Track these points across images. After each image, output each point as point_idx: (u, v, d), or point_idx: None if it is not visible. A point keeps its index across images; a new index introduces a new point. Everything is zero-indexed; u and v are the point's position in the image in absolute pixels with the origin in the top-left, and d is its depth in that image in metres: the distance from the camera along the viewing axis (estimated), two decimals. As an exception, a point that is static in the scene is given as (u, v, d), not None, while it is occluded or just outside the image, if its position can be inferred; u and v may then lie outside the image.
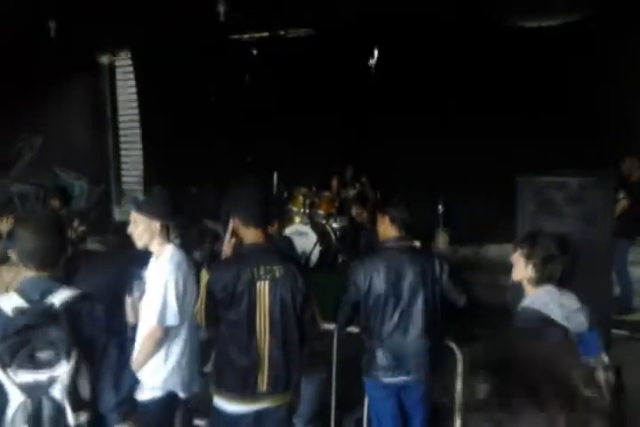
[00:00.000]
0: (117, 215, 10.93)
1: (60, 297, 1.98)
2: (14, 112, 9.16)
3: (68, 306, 1.97)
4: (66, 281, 4.60)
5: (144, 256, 3.44)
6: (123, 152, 11.54)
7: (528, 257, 2.82)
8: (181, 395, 3.30)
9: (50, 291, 2.00)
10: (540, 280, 2.83)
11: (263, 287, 2.86)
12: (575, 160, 4.92)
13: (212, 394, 3.00)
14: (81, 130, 10.73)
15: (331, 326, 4.09)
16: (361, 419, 4.09)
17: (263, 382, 2.88)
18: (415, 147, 8.01)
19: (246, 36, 9.35)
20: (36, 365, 1.86)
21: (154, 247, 3.27)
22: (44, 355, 1.86)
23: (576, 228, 3.48)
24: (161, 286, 3.15)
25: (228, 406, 2.91)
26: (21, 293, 2.02)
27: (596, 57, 7.00)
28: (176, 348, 3.25)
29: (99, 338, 2.02)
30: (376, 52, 8.59)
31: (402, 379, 3.50)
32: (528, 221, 3.60)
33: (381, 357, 3.47)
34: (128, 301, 3.89)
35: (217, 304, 2.90)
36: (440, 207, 7.73)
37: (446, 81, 7.79)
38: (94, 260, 4.47)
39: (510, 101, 7.46)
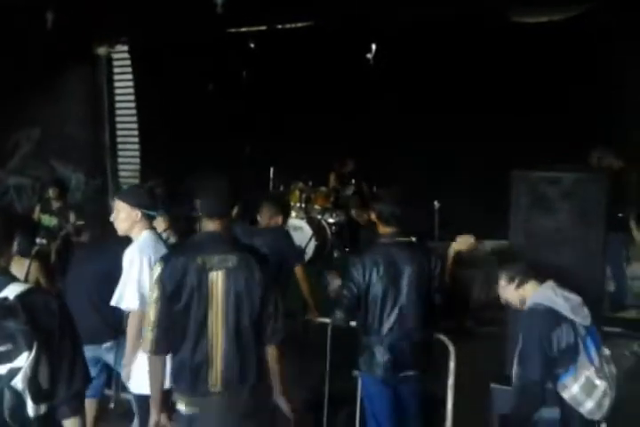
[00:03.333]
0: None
1: (12, 290, 1.94)
2: (11, 104, 9.13)
3: (23, 298, 1.92)
4: (60, 272, 4.61)
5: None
6: (119, 145, 11.50)
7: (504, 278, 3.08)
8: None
9: (1, 285, 1.95)
10: (518, 282, 3.02)
11: (216, 278, 2.69)
12: (569, 157, 4.93)
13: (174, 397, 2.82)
14: (78, 122, 10.70)
15: (325, 320, 4.11)
16: (353, 413, 4.11)
17: (216, 380, 2.71)
18: (412, 143, 8.01)
19: (244, 29, 9.31)
20: None
21: (134, 236, 3.33)
22: (2, 348, 1.82)
23: (569, 223, 3.49)
24: (125, 269, 3.22)
25: (182, 407, 2.76)
26: None
27: (594, 54, 7.00)
28: None
29: (54, 330, 1.99)
30: (374, 47, 8.58)
31: (400, 376, 3.51)
32: (521, 217, 3.60)
33: (380, 353, 3.45)
34: None
35: (170, 301, 2.68)
36: (436, 203, 7.73)
37: (443, 77, 7.79)
38: (85, 250, 4.48)
39: (506, 99, 7.47)
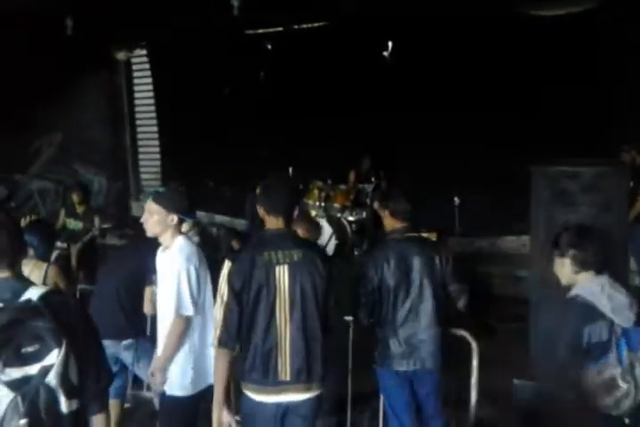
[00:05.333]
0: (135, 210, 11.03)
1: (33, 292, 1.99)
2: (33, 110, 9.27)
3: (46, 299, 1.97)
4: (88, 276, 4.67)
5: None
6: (140, 148, 11.62)
7: (561, 254, 2.92)
8: (204, 387, 3.36)
9: (21, 289, 2.00)
10: (578, 268, 2.90)
11: (282, 272, 2.81)
12: (587, 150, 4.89)
13: (241, 385, 2.97)
14: (99, 126, 10.83)
15: (347, 318, 4.13)
16: (377, 411, 4.12)
17: (285, 370, 2.83)
18: (431, 139, 7.98)
19: (260, 30, 9.35)
20: (23, 360, 1.86)
21: (165, 239, 3.32)
22: (30, 349, 1.86)
23: (591, 217, 3.47)
24: (174, 278, 3.20)
25: (252, 396, 2.89)
26: None
27: (609, 49, 6.92)
28: (198, 341, 3.31)
29: (78, 328, 2.03)
30: (390, 45, 8.56)
31: (415, 368, 3.53)
32: (542, 212, 3.59)
33: (395, 345, 3.51)
34: (146, 292, 3.96)
35: (239, 296, 2.82)
36: (456, 199, 7.70)
37: (459, 75, 7.75)
38: (112, 254, 4.56)
39: (524, 95, 7.41)
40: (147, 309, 3.98)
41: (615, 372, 2.72)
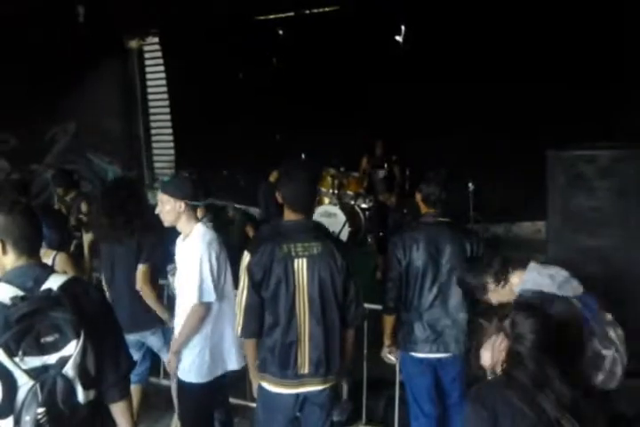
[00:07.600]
0: (150, 199, 11.07)
1: (55, 281, 2.01)
2: (47, 99, 9.29)
3: (66, 289, 1.99)
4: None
5: (172, 238, 3.50)
6: (154, 137, 11.64)
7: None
8: (221, 373, 3.39)
9: (43, 277, 2.02)
10: (507, 275, 2.90)
11: (301, 264, 2.82)
12: (605, 134, 4.80)
13: (259, 377, 2.99)
14: (112, 115, 10.85)
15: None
16: (393, 397, 4.12)
17: (304, 363, 2.85)
18: (444, 124, 7.91)
19: (272, 15, 9.29)
20: (42, 349, 1.89)
21: (182, 227, 3.35)
22: (49, 338, 1.89)
23: (607, 202, 3.42)
24: (196, 264, 3.22)
25: (270, 388, 2.92)
26: (12, 282, 2.00)
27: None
28: (215, 328, 3.32)
29: (98, 317, 2.06)
30: (403, 28, 8.47)
31: (439, 353, 3.52)
32: (559, 197, 3.54)
33: (420, 329, 3.49)
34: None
35: (259, 288, 2.83)
36: (470, 185, 7.64)
37: (474, 60, 7.66)
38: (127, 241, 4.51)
39: (540, 78, 7.30)
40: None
41: (594, 344, 2.66)
